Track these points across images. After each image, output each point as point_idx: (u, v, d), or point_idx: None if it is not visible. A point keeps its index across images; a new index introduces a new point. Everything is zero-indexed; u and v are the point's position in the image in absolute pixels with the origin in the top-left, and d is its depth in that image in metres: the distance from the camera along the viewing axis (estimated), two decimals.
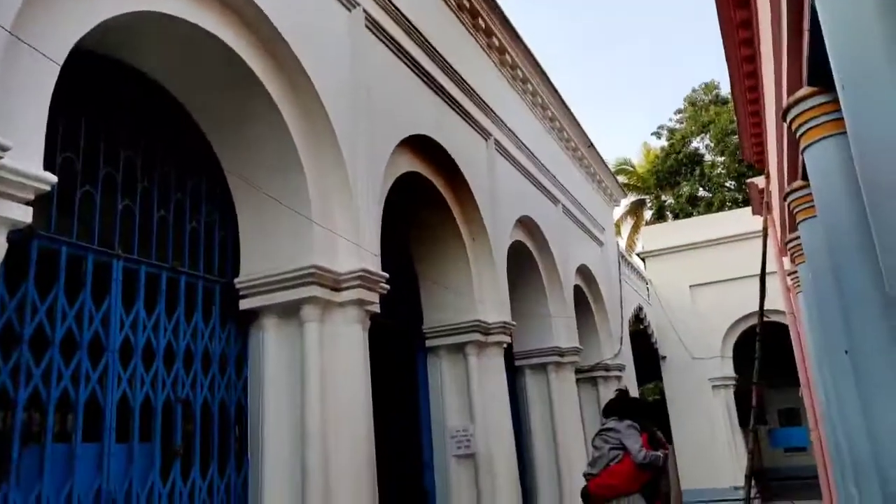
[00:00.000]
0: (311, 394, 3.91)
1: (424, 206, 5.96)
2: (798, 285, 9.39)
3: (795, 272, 9.29)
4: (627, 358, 11.00)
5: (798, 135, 5.07)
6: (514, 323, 6.48)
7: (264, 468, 3.89)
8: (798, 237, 7.64)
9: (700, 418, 14.02)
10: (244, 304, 4.17)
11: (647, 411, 5.05)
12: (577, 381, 9.72)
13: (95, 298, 3.40)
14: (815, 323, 8.05)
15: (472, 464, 5.86)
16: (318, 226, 4.10)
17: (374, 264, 4.39)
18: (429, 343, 6.20)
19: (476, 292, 6.12)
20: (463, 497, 5.83)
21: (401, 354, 6.28)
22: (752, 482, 10.21)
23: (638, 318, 13.49)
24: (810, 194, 6.10)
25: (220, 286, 4.19)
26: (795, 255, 8.20)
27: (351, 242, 4.23)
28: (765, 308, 10.52)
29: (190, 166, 4.22)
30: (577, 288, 9.40)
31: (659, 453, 4.53)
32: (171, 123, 4.11)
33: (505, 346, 6.39)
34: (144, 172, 3.90)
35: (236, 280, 4.20)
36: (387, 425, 5.60)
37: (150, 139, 3.97)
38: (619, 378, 10.03)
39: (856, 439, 6.27)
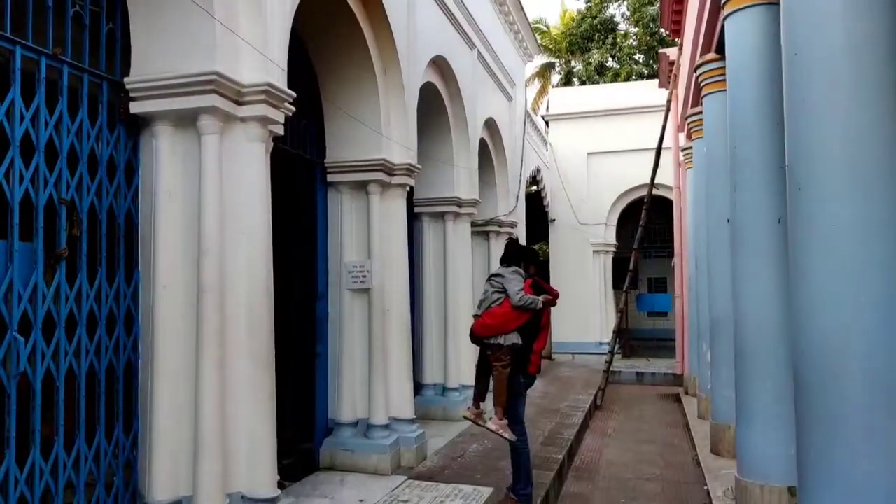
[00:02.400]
0: (208, 209, 3.73)
1: (335, 24, 5.55)
2: (689, 161, 9.86)
3: (689, 148, 9.71)
4: (520, 216, 11.33)
5: (723, 1, 5.05)
6: (419, 166, 6.41)
7: (156, 280, 3.76)
8: (699, 112, 7.90)
9: (578, 279, 14.95)
10: (135, 108, 3.81)
11: (532, 259, 5.12)
12: (471, 233, 9.96)
13: None
14: (700, 196, 8.57)
15: (367, 298, 5.96)
16: (221, 31, 3.73)
17: (280, 79, 4.11)
18: (331, 178, 6.04)
19: (383, 128, 5.94)
20: (356, 325, 5.97)
21: (301, 187, 6.09)
22: (617, 338, 11.19)
23: (535, 180, 13.81)
24: (721, 68, 6.25)
25: (108, 84, 3.78)
26: (693, 129, 8.52)
27: (257, 52, 3.91)
28: (655, 181, 11.06)
29: None
30: (481, 141, 9.37)
31: (539, 298, 4.67)
32: None
33: (408, 189, 6.34)
34: None
35: (126, 79, 3.81)
36: (284, 254, 5.53)
37: None
38: (510, 234, 10.35)
39: (717, 302, 6.92)
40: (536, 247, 22.69)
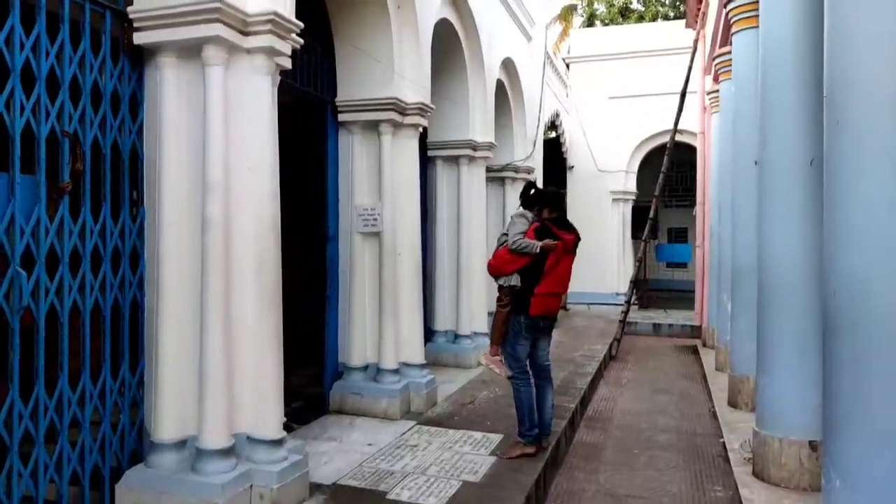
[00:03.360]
0: (213, 143, 3.59)
1: None
2: (715, 105, 9.51)
3: (715, 91, 9.36)
4: (538, 162, 11.08)
5: None
6: (432, 106, 6.18)
7: (161, 217, 3.65)
8: (728, 52, 7.55)
9: (596, 228, 14.72)
10: (139, 38, 3.64)
11: (548, 202, 4.92)
12: (487, 179, 9.75)
13: None
14: (726, 140, 8.26)
15: (378, 241, 5.84)
16: None
17: (287, 9, 3.89)
18: (342, 118, 5.84)
19: (396, 66, 5.70)
20: (366, 269, 5.87)
21: (312, 126, 5.92)
22: (635, 288, 11.03)
23: (553, 125, 13.47)
24: (753, 3, 5.90)
25: (111, 13, 3.60)
26: (721, 71, 8.16)
27: None
28: (678, 127, 10.71)
29: None
30: (498, 83, 9.07)
31: (535, 243, 4.61)
32: None
33: (421, 129, 6.13)
34: None
35: (130, 8, 3.62)
36: (293, 195, 5.40)
37: None
38: (527, 180, 10.11)
39: (740, 250, 6.72)
40: None
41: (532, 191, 5.00)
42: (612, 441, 5.88)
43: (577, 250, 5.04)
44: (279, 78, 4.03)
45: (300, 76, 5.35)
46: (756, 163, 4.95)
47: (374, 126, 5.82)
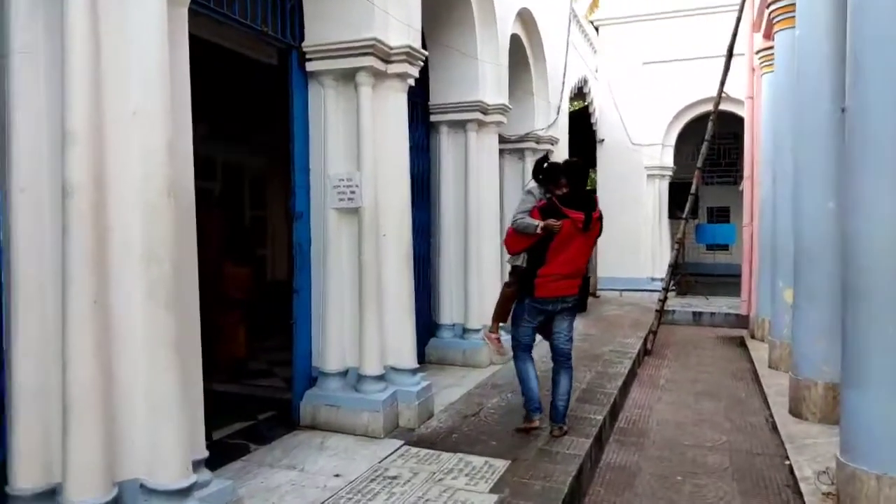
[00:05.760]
0: (75, 74, 2.55)
1: None
2: (767, 64, 8.17)
3: (768, 49, 8.04)
4: (562, 133, 9.86)
5: None
6: (424, 52, 5.03)
7: (11, 182, 2.60)
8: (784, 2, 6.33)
9: (629, 207, 13.41)
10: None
11: (557, 176, 4.57)
12: (504, 151, 8.62)
13: None
14: (783, 99, 6.96)
15: (357, 219, 4.75)
16: None
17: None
18: (311, 67, 4.75)
19: None
20: (343, 253, 4.81)
21: (271, 78, 4.83)
22: (673, 272, 9.77)
23: (581, 93, 12.18)
24: None
25: None
26: (777, 19, 6.84)
27: None
28: (721, 95, 9.37)
29: None
30: (515, 39, 7.88)
31: (536, 223, 4.40)
32: None
33: (410, 82, 5.00)
34: None
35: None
36: (245, 163, 4.36)
37: None
38: (550, 153, 8.93)
39: (806, 227, 5.48)
40: None
41: (545, 164, 4.71)
42: (649, 463, 4.73)
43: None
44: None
45: (254, 12, 4.26)
46: (843, 110, 3.71)
47: (350, 77, 4.71)
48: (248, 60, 5.17)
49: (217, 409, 5.43)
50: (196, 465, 2.98)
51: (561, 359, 4.70)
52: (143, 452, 2.73)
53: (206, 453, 3.10)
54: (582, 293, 11.22)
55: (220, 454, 4.20)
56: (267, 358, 6.96)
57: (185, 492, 2.77)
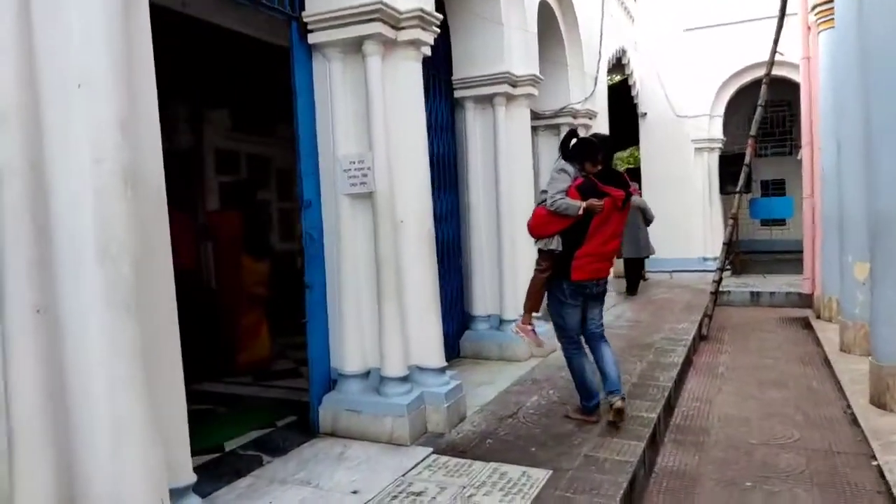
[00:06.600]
0: None
1: None
2: (825, 20, 7.40)
3: (825, 2, 7.28)
4: (601, 106, 9.21)
5: None
6: (438, 15, 4.51)
7: None
8: None
9: (676, 184, 12.66)
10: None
11: (594, 153, 4.26)
12: (538, 128, 8.07)
13: None
14: (846, 55, 6.23)
15: (370, 205, 4.29)
16: None
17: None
18: (313, 39, 4.30)
19: None
20: (359, 243, 4.37)
21: (272, 54, 4.40)
22: (728, 250, 9.06)
23: (619, 65, 11.47)
24: None
25: None
26: None
27: None
28: (774, 53, 8.61)
29: None
30: (545, 5, 7.30)
31: (579, 203, 4.11)
32: None
33: (426, 50, 4.51)
34: None
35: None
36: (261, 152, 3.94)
37: None
38: (588, 127, 8.32)
39: (884, 192, 4.81)
40: (628, 152, 20.19)
41: (573, 140, 4.42)
42: (711, 466, 4.17)
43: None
44: None
45: None
46: None
47: (357, 47, 4.24)
48: (243, 37, 4.77)
49: (234, 414, 5.10)
50: (178, 494, 2.57)
51: (596, 338, 4.51)
52: (105, 483, 2.31)
53: (192, 478, 2.70)
54: (635, 276, 10.65)
55: (230, 468, 3.87)
56: (293, 356, 6.59)
57: None
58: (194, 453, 4.05)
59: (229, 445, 4.27)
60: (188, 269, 6.84)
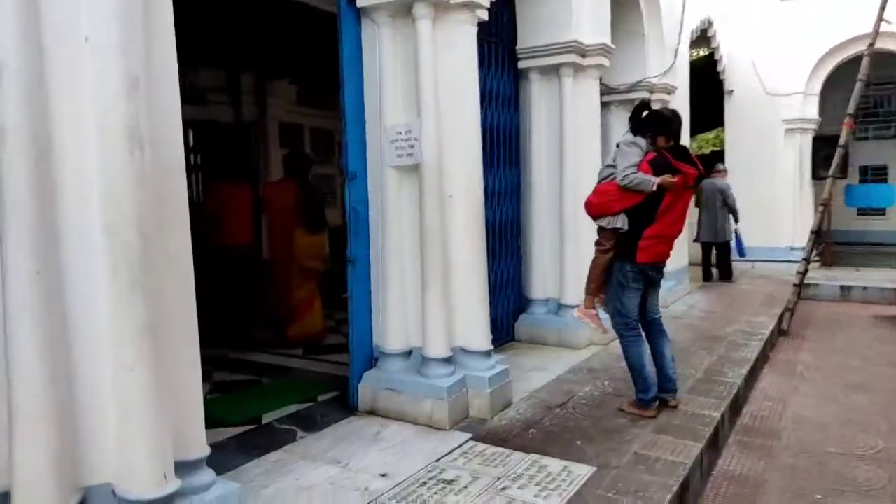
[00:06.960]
0: None
1: None
2: None
3: None
4: (681, 81, 8.64)
5: None
6: None
7: None
8: None
9: (764, 167, 11.84)
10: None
11: (665, 127, 4.03)
12: (611, 103, 7.63)
13: None
14: None
15: (418, 178, 4.09)
16: None
17: None
18: (361, 1, 4.11)
19: None
20: (405, 217, 4.20)
21: (319, 20, 4.24)
22: (817, 239, 8.36)
23: (704, 37, 10.76)
24: None
25: None
26: None
27: None
28: (881, 19, 7.81)
29: None
30: None
31: (652, 179, 3.85)
32: None
33: (482, 14, 4.24)
34: None
35: None
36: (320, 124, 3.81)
37: None
38: (665, 103, 7.81)
39: None
40: (713, 134, 19.13)
41: (645, 112, 4.16)
42: (778, 474, 3.79)
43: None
44: None
45: None
46: None
47: (406, 10, 4.03)
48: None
49: (278, 387, 5.06)
50: (190, 467, 2.49)
51: (656, 326, 4.28)
52: (112, 458, 2.24)
53: (205, 451, 2.59)
54: (719, 262, 10.11)
55: (264, 441, 3.82)
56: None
57: (160, 503, 2.26)
58: (232, 424, 4.07)
59: (267, 418, 4.22)
60: (245, 242, 6.90)
